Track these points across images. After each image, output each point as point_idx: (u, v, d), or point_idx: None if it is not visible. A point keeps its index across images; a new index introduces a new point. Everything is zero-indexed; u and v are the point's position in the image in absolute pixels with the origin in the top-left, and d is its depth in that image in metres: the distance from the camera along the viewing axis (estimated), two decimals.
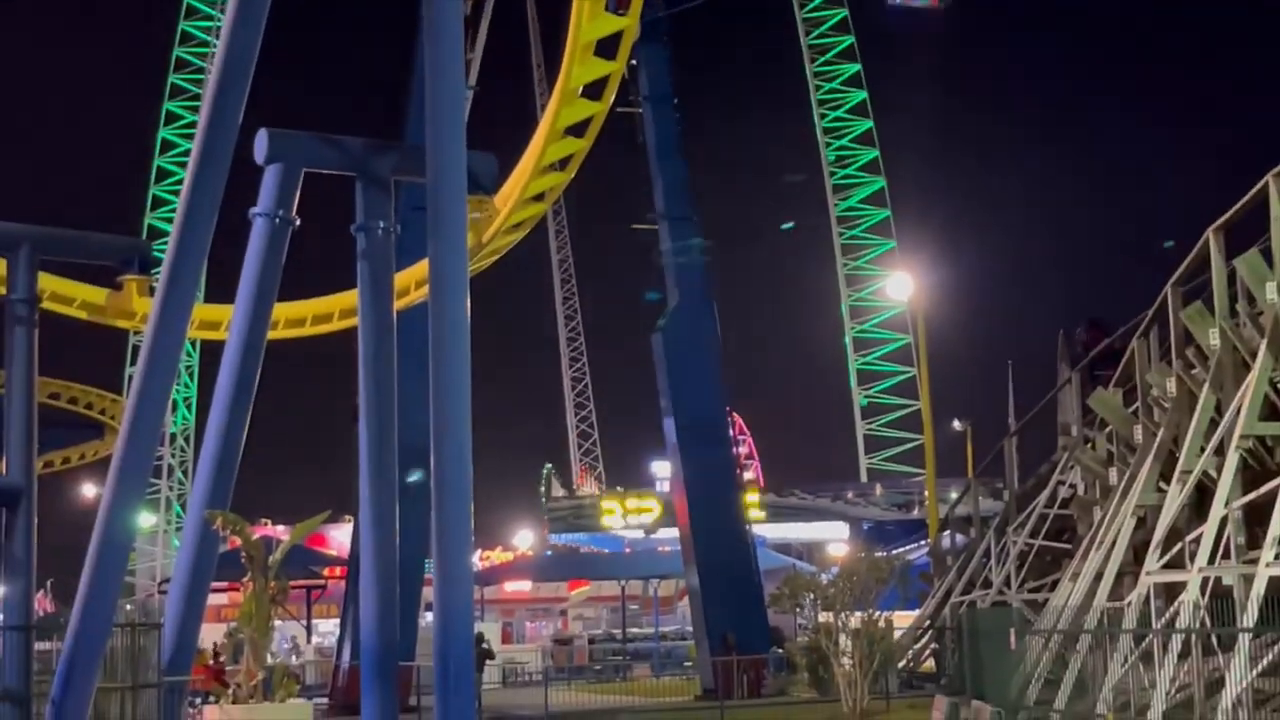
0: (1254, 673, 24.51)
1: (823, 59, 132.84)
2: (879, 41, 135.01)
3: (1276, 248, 28.39)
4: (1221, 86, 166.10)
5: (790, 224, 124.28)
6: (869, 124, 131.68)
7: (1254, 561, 25.44)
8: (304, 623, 66.19)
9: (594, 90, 32.83)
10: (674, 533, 60.52)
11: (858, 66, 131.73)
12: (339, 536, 73.30)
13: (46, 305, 43.65)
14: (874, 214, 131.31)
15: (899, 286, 66.05)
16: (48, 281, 43.89)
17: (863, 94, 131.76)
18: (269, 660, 28.63)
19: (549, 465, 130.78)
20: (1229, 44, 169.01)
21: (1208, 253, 31.31)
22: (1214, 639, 26.47)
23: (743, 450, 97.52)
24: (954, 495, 59.54)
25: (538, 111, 48.93)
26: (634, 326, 50.64)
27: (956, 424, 68.27)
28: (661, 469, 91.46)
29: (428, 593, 37.83)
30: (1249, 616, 24.31)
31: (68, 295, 46.21)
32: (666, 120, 50.27)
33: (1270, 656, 25.05)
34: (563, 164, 35.86)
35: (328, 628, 66.63)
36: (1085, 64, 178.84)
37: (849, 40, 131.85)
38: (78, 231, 45.72)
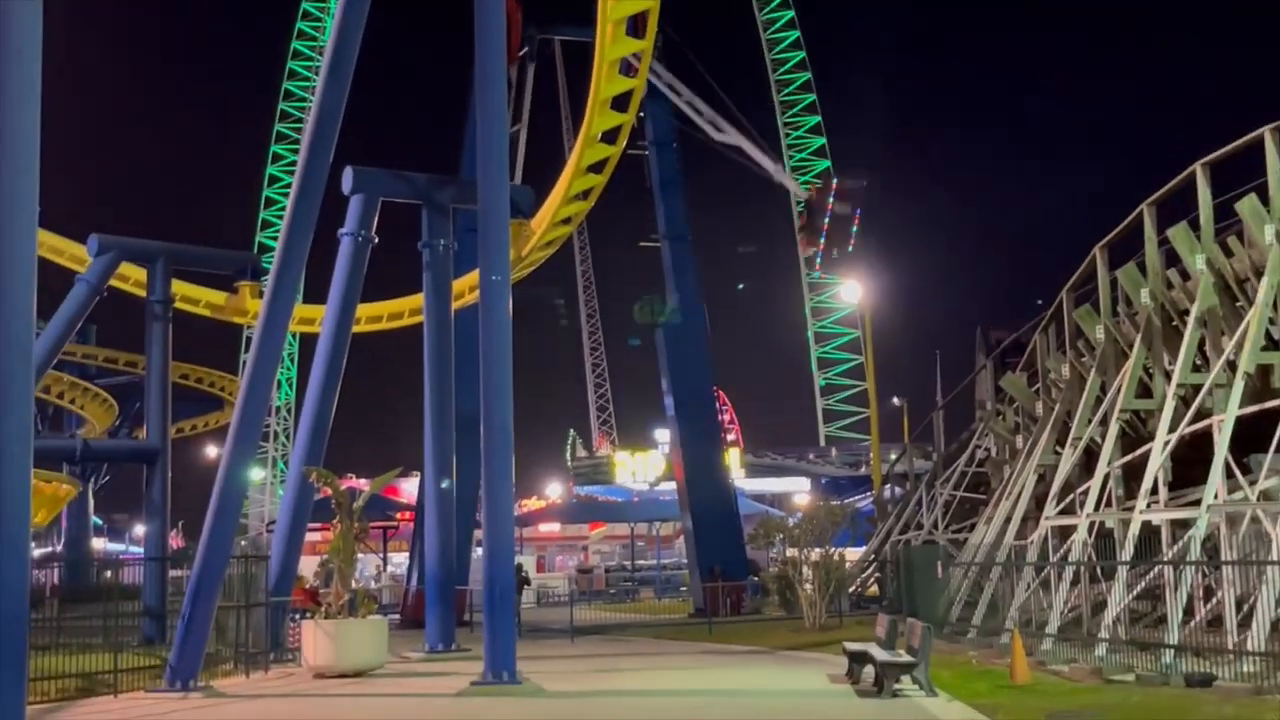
0: (1129, 597, 24.48)
1: (790, 112, 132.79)
2: (836, 96, 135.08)
3: (1149, 262, 28.30)
4: (1108, 133, 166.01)
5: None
6: (827, 163, 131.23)
7: (1130, 509, 25.39)
8: (381, 556, 66.28)
9: (610, 136, 32.81)
10: (672, 485, 60.56)
11: (818, 118, 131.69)
12: (408, 487, 73.17)
13: (178, 305, 43.86)
14: None
15: (851, 292, 65.68)
16: (179, 287, 44.08)
17: (822, 139, 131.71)
18: (353, 585, 28.64)
19: (573, 432, 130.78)
20: (1119, 117, 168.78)
21: (1095, 266, 31.25)
22: (1098, 570, 26.44)
23: (726, 420, 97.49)
24: (893, 457, 59.49)
25: (566, 152, 48.86)
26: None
27: (895, 400, 68.08)
28: (662, 435, 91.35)
29: (478, 533, 37.89)
30: (1126, 552, 24.28)
31: (194, 297, 46.40)
32: (668, 160, 50.21)
33: (1142, 584, 25.01)
34: (585, 194, 35.87)
35: (399, 559, 66.66)
36: (991, 114, 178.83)
37: (811, 98, 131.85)
38: (203, 247, 45.96)
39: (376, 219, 34.58)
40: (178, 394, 48.08)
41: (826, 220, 48.80)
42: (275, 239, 32.26)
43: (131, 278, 43.86)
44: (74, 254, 44.11)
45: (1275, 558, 19.97)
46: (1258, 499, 21.83)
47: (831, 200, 48.16)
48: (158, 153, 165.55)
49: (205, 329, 50.97)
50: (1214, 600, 22.68)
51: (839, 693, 21.12)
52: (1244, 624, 20.39)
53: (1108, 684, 20.66)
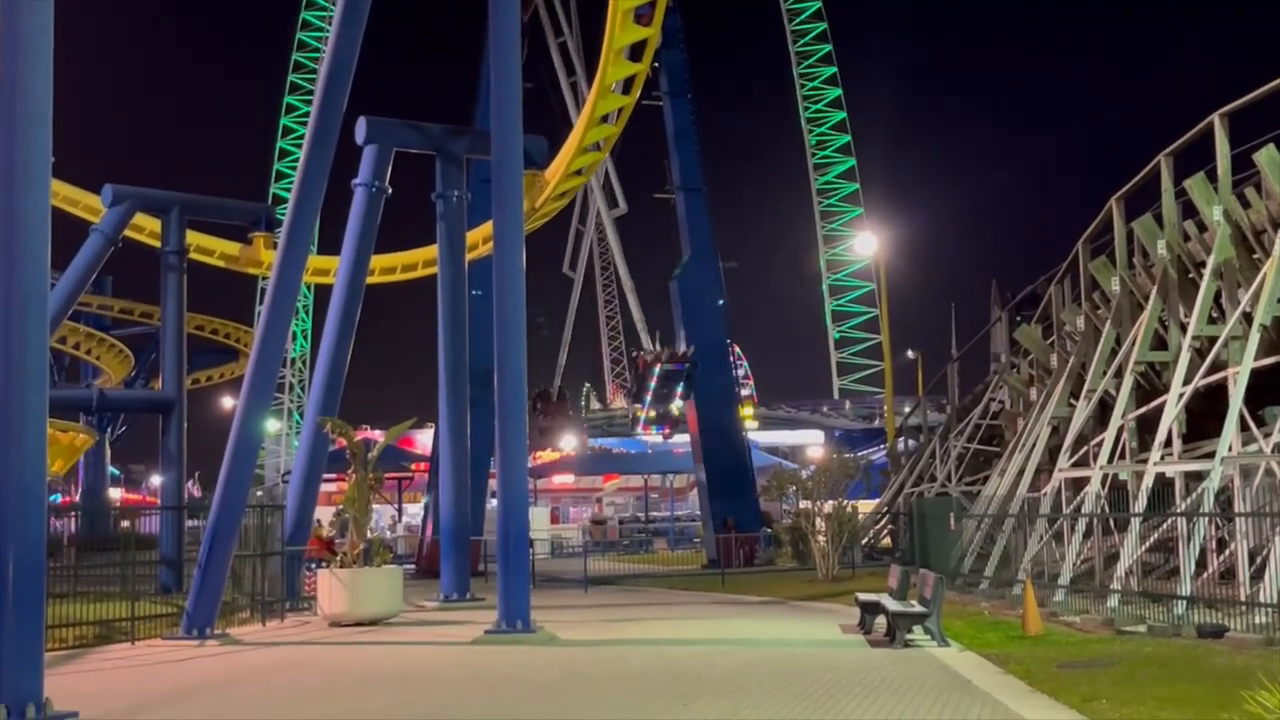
0: (1142, 549, 24.49)
1: (806, 63, 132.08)
2: (851, 46, 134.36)
3: (1166, 213, 28.12)
4: (1124, 84, 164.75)
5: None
6: (843, 114, 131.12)
7: (1144, 461, 25.36)
8: (396, 506, 66.59)
9: (624, 86, 32.65)
10: (686, 438, 60.63)
11: (834, 69, 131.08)
12: (423, 439, 73.42)
13: (193, 256, 43.93)
14: (846, 187, 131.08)
15: (865, 245, 65.50)
16: (194, 237, 44.16)
17: (838, 90, 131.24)
18: (369, 534, 28.79)
19: (588, 384, 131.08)
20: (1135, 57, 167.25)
21: (1111, 217, 31.08)
22: (1111, 522, 26.46)
23: (740, 373, 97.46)
24: (907, 409, 59.55)
25: (580, 102, 48.60)
26: (655, 274, 50.60)
27: (910, 353, 67.93)
28: None
29: (493, 483, 38.01)
30: (1139, 504, 24.27)
31: (209, 248, 46.49)
32: (683, 111, 49.92)
33: (1155, 536, 25.03)
34: (599, 145, 35.71)
35: (414, 510, 66.99)
36: (1009, 64, 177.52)
37: (827, 48, 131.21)
38: (217, 198, 45.97)
39: (390, 170, 34.52)
40: (193, 345, 48.25)
41: (651, 385, 50.66)
42: (289, 190, 32.20)
43: (146, 228, 43.92)
44: (88, 204, 44.16)
45: None
46: (1272, 451, 21.78)
47: (659, 368, 49.64)
48: (173, 103, 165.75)
49: (220, 280, 51.10)
50: (1227, 552, 22.67)
51: (851, 643, 21.21)
52: (1257, 576, 20.41)
53: (1119, 635, 20.71)
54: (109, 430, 60.85)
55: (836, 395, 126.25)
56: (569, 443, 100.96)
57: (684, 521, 69.58)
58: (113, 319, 58.51)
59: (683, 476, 74.15)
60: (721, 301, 49.69)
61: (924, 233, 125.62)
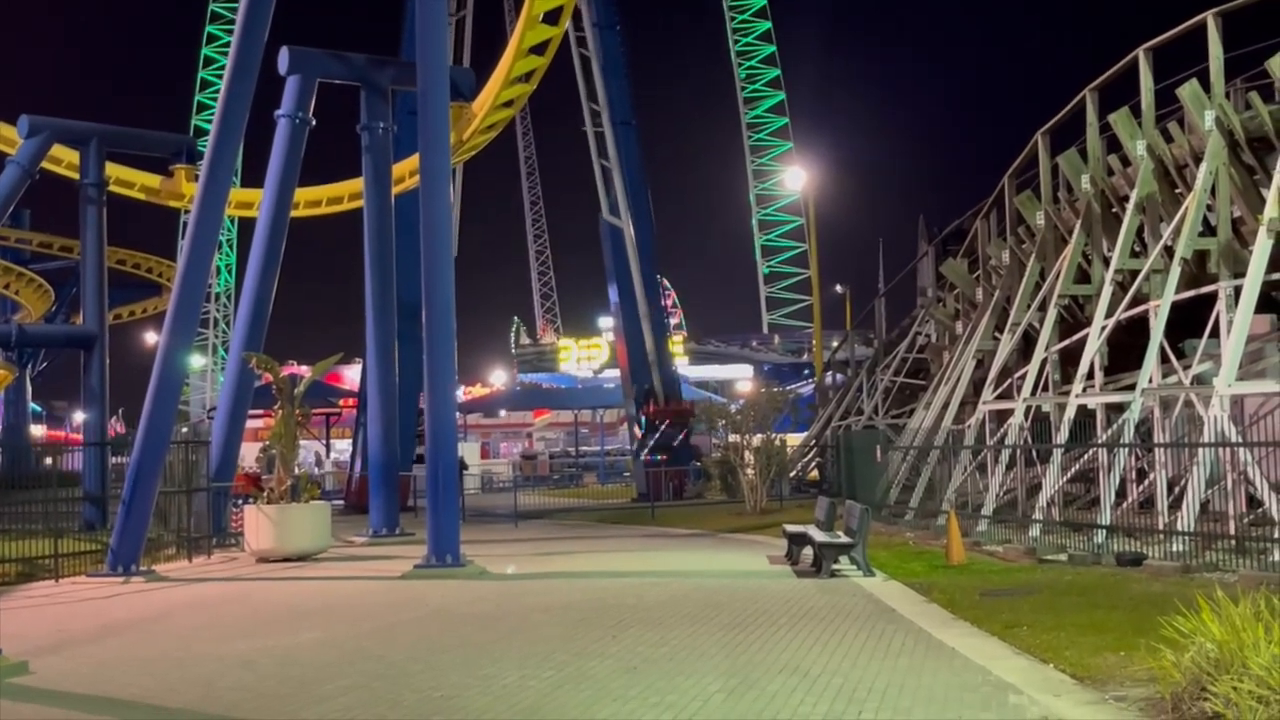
0: (1063, 479, 24.89)
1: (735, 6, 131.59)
2: None
3: (1091, 148, 28.36)
4: (1052, 18, 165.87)
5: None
6: (772, 48, 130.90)
7: (1066, 393, 25.73)
8: (323, 442, 66.15)
9: (553, 17, 32.30)
10: (616, 373, 60.69)
11: (764, 1, 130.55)
12: (351, 374, 73.07)
13: (113, 189, 43.13)
14: (775, 121, 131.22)
15: (795, 179, 65.47)
16: (113, 169, 43.31)
17: (768, 24, 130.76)
18: (296, 471, 28.61)
19: (517, 319, 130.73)
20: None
21: (1036, 151, 31.29)
22: (1034, 453, 26.86)
23: (671, 307, 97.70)
24: (835, 344, 59.90)
25: (508, 33, 47.97)
26: (584, 208, 50.27)
27: (838, 288, 68.50)
28: (606, 323, 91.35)
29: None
30: (1061, 436, 24.64)
31: (129, 180, 45.63)
32: (612, 43, 49.38)
33: (1076, 467, 25.43)
34: (527, 77, 35.37)
35: (342, 446, 66.56)
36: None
37: None
38: (138, 129, 45.00)
39: (314, 101, 34.00)
40: (114, 279, 47.46)
41: (658, 432, 47.67)
42: (211, 121, 31.57)
43: (65, 160, 43.02)
44: (4, 136, 43.18)
45: (1206, 440, 20.32)
46: (1191, 383, 22.17)
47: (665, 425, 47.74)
48: (92, 32, 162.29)
49: (141, 213, 50.23)
50: (1146, 482, 23.12)
51: (778, 573, 21.42)
52: (1175, 505, 20.82)
53: (1041, 564, 21.07)
54: (30, 366, 59.77)
55: (765, 330, 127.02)
56: (499, 377, 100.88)
57: (614, 456, 69.83)
58: (32, 253, 57.26)
59: (613, 411, 74.32)
60: (651, 235, 49.57)
61: (854, 166, 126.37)
